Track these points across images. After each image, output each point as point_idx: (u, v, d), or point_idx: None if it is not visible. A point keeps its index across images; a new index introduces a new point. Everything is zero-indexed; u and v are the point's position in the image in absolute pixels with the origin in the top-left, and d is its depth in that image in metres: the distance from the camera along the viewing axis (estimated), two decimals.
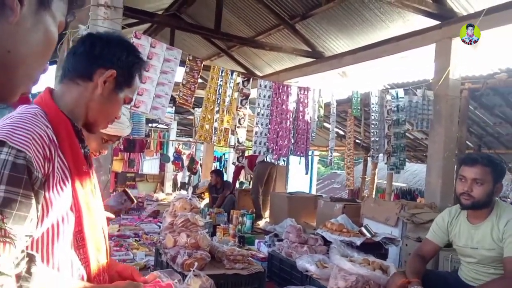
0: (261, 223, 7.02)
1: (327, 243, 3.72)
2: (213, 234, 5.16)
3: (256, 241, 5.12)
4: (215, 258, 3.38)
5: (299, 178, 12.48)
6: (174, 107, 8.54)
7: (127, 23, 8.07)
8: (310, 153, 13.00)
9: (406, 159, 7.15)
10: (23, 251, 0.90)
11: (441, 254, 4.03)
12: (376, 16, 5.94)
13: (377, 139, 5.27)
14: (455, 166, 5.10)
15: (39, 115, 1.05)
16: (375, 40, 6.15)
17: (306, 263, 3.15)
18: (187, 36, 8.85)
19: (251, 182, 9.44)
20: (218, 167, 13.63)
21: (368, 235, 3.68)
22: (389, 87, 5.82)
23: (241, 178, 11.12)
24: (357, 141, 8.64)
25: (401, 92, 5.36)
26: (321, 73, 7.38)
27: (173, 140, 12.29)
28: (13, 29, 0.55)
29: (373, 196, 8.52)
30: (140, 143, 11.91)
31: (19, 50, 0.57)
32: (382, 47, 5.90)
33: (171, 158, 12.21)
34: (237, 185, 11.12)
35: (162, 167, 13.26)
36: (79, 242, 1.10)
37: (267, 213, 7.66)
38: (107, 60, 1.16)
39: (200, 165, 12.66)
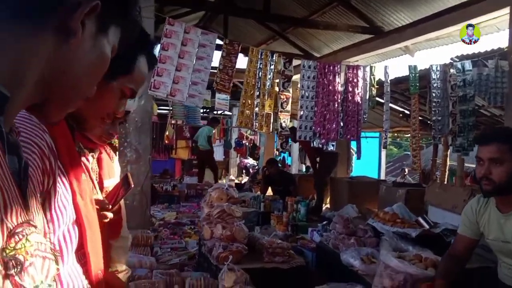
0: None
1: (379, 234, 3.40)
2: (264, 222, 5.00)
3: (309, 229, 4.90)
4: (256, 250, 3.24)
5: (366, 162, 11.92)
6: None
7: (179, 13, 8.13)
8: (377, 135, 12.36)
9: None
10: None
11: None
12: None
13: (440, 118, 4.72)
14: None
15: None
16: (439, 9, 5.52)
17: (350, 257, 2.88)
18: (241, 22, 8.70)
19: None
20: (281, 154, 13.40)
21: (426, 225, 3.29)
22: (457, 60, 5.19)
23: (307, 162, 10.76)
24: (425, 120, 7.97)
25: (468, 65, 4.74)
26: (382, 50, 6.87)
27: (234, 127, 12.38)
28: (72, 51, 0.56)
29: (446, 180, 7.81)
30: None
31: (73, 71, 0.58)
32: (447, 15, 5.28)
33: (233, 145, 12.30)
34: (304, 170, 10.81)
35: (226, 154, 13.44)
36: (82, 259, 0.96)
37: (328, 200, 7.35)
38: None
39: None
